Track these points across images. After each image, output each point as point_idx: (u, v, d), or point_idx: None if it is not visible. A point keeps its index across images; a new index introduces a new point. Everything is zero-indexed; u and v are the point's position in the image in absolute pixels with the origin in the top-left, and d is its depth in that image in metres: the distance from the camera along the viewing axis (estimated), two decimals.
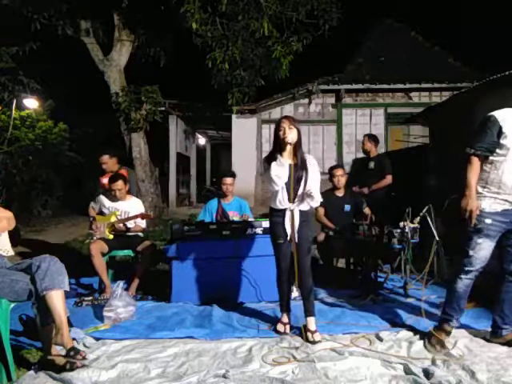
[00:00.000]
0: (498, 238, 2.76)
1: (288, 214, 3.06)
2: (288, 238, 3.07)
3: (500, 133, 2.64)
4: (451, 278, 2.88)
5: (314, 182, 3.06)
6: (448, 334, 2.84)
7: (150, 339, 3.01)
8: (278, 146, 3.06)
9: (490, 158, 2.71)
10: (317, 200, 3.08)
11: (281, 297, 3.22)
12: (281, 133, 3.02)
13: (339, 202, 4.83)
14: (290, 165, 3.05)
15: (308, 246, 3.14)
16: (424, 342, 2.84)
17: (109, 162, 5.00)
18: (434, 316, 3.35)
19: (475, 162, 2.72)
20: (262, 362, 2.62)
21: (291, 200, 3.05)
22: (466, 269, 2.77)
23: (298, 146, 3.06)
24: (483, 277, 3.96)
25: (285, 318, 3.19)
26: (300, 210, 3.08)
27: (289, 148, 3.02)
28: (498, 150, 2.67)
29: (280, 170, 3.00)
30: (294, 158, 3.07)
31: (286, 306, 3.21)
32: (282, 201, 3.05)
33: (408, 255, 4.29)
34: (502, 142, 2.64)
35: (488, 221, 2.70)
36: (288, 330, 3.12)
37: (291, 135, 2.99)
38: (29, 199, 11.60)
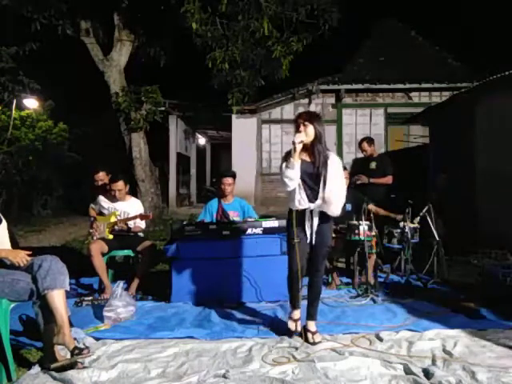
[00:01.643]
0: None
1: (308, 214, 2.93)
2: (307, 239, 2.95)
3: None
4: None
5: (334, 186, 2.86)
6: None
7: (150, 339, 3.01)
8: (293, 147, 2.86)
9: None
10: (333, 211, 2.88)
11: (292, 295, 3.07)
12: (296, 132, 2.89)
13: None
14: (305, 163, 2.89)
15: (325, 250, 3.02)
16: None
17: (105, 179, 4.95)
18: (433, 316, 3.35)
19: None
20: (262, 362, 2.62)
21: (311, 199, 2.91)
22: None
23: (315, 143, 2.89)
24: (482, 277, 3.97)
25: (295, 315, 3.04)
26: (320, 212, 2.93)
27: (299, 147, 2.82)
28: None
29: (290, 172, 2.83)
30: (311, 155, 2.91)
31: (296, 303, 3.05)
32: (301, 200, 2.90)
33: (408, 255, 4.30)
34: None
35: None
36: (299, 328, 3.00)
37: (301, 134, 2.84)
38: (29, 199, 11.61)
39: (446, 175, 6.96)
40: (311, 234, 2.96)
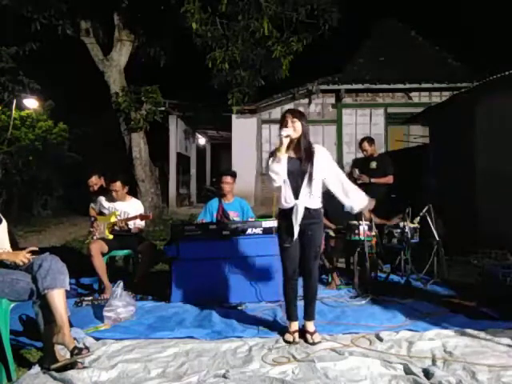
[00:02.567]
0: None
1: (294, 212, 2.85)
2: (297, 240, 2.89)
3: None
4: None
5: (330, 173, 2.93)
6: None
7: (150, 339, 3.01)
8: (280, 140, 2.89)
9: None
10: (360, 201, 3.03)
11: (288, 304, 3.05)
12: (282, 127, 2.90)
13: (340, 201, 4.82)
14: (291, 159, 2.90)
15: (316, 250, 2.97)
16: None
17: (98, 183, 4.94)
18: (433, 316, 3.35)
19: None
20: (262, 362, 2.62)
21: (297, 196, 2.88)
22: None
23: (302, 139, 2.90)
24: (482, 277, 3.97)
25: (292, 327, 3.00)
26: (306, 208, 2.87)
27: (286, 141, 2.85)
28: None
29: (277, 166, 2.84)
30: (297, 152, 2.92)
31: (293, 314, 3.03)
32: (287, 198, 2.90)
33: (408, 255, 4.30)
34: None
35: None
36: (297, 339, 2.93)
37: (288, 130, 2.85)
38: (29, 199, 11.61)
39: (434, 176, 7.03)
40: (300, 233, 2.89)
